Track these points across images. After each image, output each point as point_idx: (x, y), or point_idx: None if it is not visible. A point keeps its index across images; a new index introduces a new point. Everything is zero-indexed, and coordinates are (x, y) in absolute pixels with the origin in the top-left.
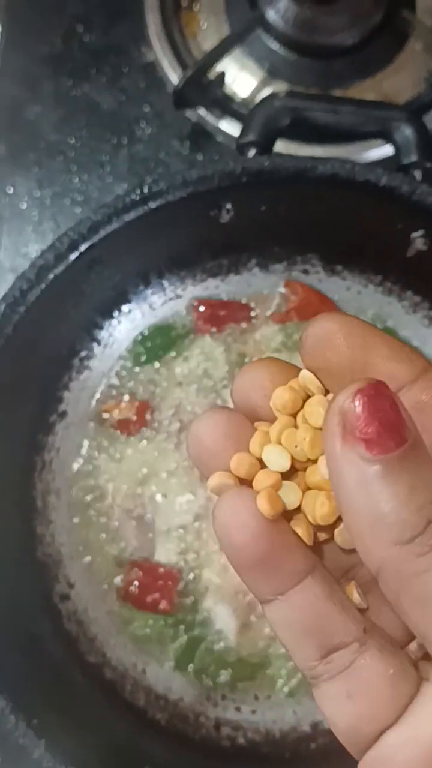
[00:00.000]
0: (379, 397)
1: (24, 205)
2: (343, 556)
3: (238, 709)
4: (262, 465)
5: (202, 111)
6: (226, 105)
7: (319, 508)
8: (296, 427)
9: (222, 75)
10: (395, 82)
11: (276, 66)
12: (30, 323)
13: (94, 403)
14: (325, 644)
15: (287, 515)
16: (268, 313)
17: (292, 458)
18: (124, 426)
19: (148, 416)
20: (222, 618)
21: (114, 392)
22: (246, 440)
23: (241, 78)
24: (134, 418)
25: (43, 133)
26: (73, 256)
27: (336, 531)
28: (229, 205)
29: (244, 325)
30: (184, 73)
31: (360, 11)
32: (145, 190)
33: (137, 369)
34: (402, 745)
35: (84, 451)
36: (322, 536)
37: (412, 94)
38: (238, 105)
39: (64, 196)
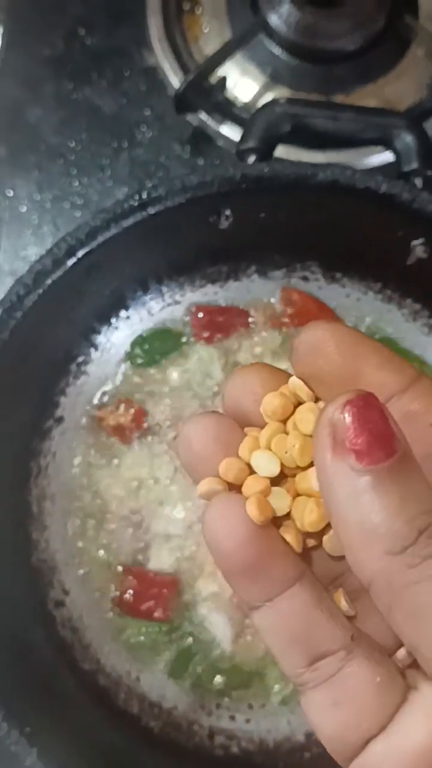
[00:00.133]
0: (369, 408)
1: (24, 208)
2: (331, 563)
3: (232, 718)
4: (252, 470)
5: (203, 115)
6: (227, 109)
7: (308, 515)
8: (286, 433)
9: (223, 79)
10: (397, 88)
11: (278, 71)
12: (27, 328)
13: (90, 408)
14: (312, 651)
15: (276, 521)
16: (267, 319)
17: (282, 464)
18: (121, 432)
19: (144, 422)
20: (217, 626)
21: (111, 398)
22: (236, 445)
23: (242, 82)
24: (131, 423)
25: (43, 136)
26: (70, 262)
27: (324, 538)
28: (228, 212)
29: (242, 331)
30: (186, 78)
31: (362, 17)
32: (144, 196)
33: (135, 374)
34: (388, 755)
35: (80, 456)
36: (311, 543)
37: (414, 100)
38: (239, 109)
39: (63, 200)
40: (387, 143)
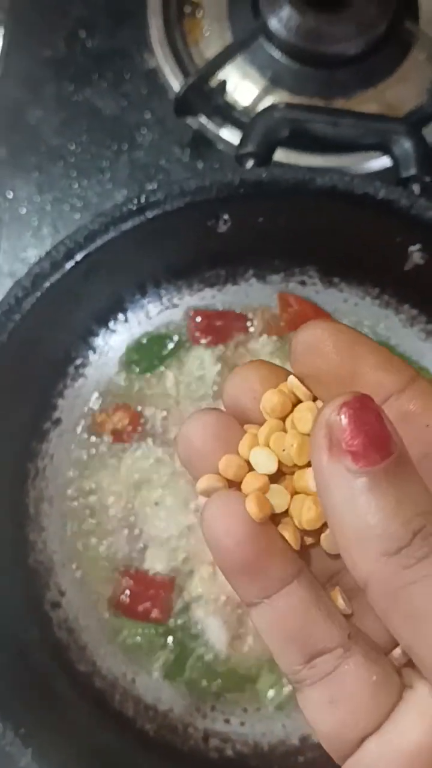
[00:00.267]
0: (365, 410)
1: (23, 210)
2: (329, 561)
3: (227, 721)
4: (251, 468)
5: (203, 118)
6: (227, 113)
7: (305, 513)
8: (285, 431)
9: (223, 83)
10: (398, 93)
11: (278, 75)
12: (25, 331)
13: (88, 410)
14: (309, 649)
15: (275, 519)
16: (265, 324)
17: (280, 462)
18: (118, 434)
19: (141, 425)
20: (213, 629)
21: (108, 400)
22: (235, 442)
23: (242, 86)
24: (128, 426)
25: (44, 138)
26: (69, 265)
27: (322, 536)
28: (226, 216)
29: (240, 335)
30: (186, 81)
31: (364, 21)
32: (143, 200)
33: (132, 377)
34: (383, 753)
35: (77, 458)
36: (309, 540)
37: (415, 105)
38: (239, 113)
39: (63, 202)
40: (386, 149)
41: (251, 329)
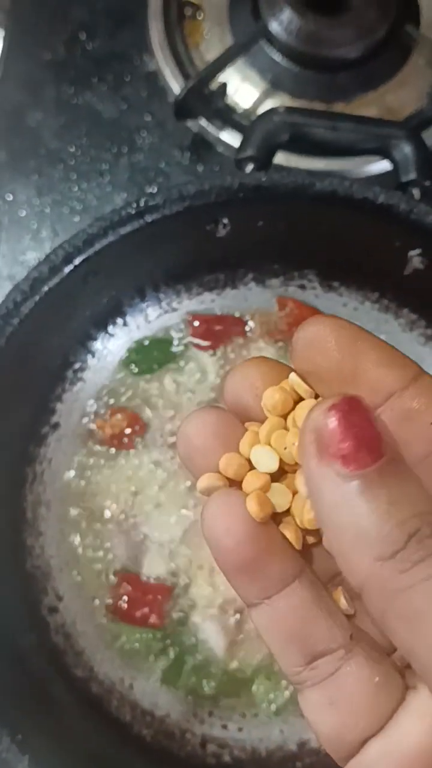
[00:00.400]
0: (354, 412)
1: (23, 213)
2: (331, 560)
3: (224, 727)
4: (252, 466)
5: (203, 121)
6: (227, 116)
7: (307, 512)
8: (287, 428)
9: (224, 86)
10: (398, 96)
11: (278, 78)
12: (23, 335)
13: (87, 415)
14: (310, 650)
15: (276, 518)
16: (263, 327)
17: (281, 460)
18: (117, 438)
19: (140, 429)
20: (210, 634)
21: (107, 404)
22: (236, 440)
23: (243, 89)
24: (127, 430)
25: (43, 140)
26: (67, 269)
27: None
28: (225, 220)
29: (239, 339)
30: (186, 84)
31: (364, 25)
32: (142, 204)
33: (131, 381)
34: (384, 755)
35: (76, 463)
36: (311, 540)
37: (415, 108)
38: (239, 116)
39: (63, 205)
40: (385, 153)
41: (250, 333)
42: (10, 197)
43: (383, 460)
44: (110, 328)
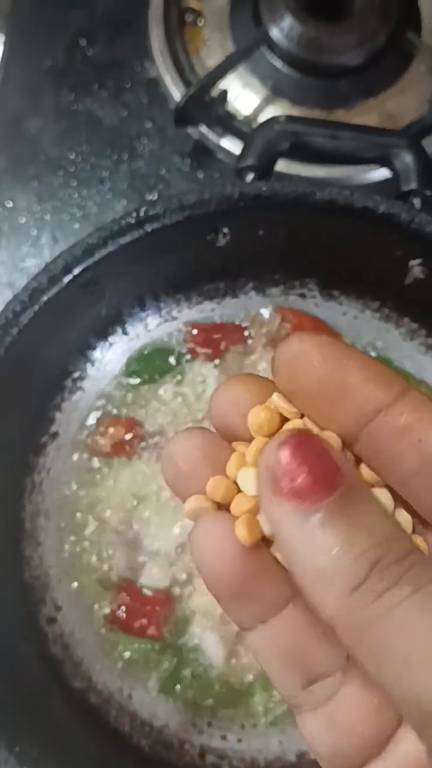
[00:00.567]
0: (305, 446)
1: (23, 220)
2: None
3: (223, 737)
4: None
5: (203, 128)
6: (228, 123)
7: None
8: None
9: (224, 93)
10: (399, 103)
11: (279, 84)
12: (22, 345)
13: (86, 424)
14: (307, 673)
15: (267, 540)
16: (263, 337)
17: None
18: (116, 448)
19: (139, 438)
20: (209, 645)
21: (106, 413)
22: (223, 462)
23: (243, 96)
24: (126, 439)
25: (43, 147)
26: (67, 279)
27: None
28: (226, 229)
29: (239, 348)
30: (186, 91)
31: (365, 32)
32: (141, 214)
33: (130, 390)
34: None
35: (75, 472)
36: None
37: (416, 115)
38: (240, 123)
39: (63, 212)
40: (386, 163)
41: (250, 342)
42: (9, 204)
43: (339, 491)
44: (110, 338)
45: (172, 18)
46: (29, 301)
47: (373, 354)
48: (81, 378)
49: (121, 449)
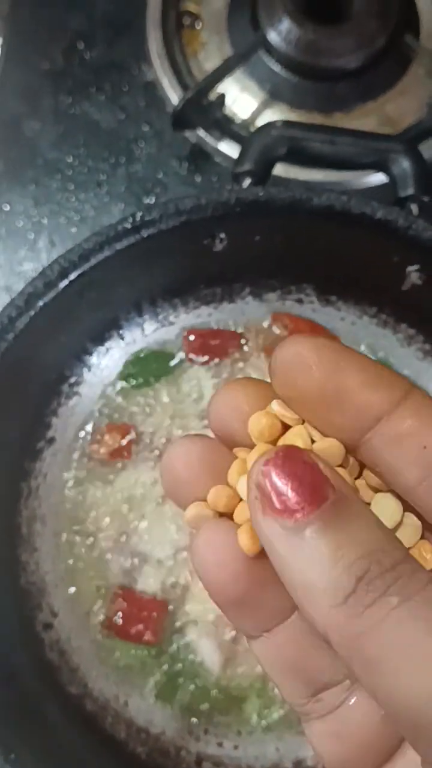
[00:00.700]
0: (291, 462)
1: (20, 223)
2: None
3: (220, 744)
4: None
5: (201, 132)
6: (225, 126)
7: None
8: None
9: (222, 96)
10: (398, 106)
11: (277, 88)
12: (18, 350)
13: (82, 429)
14: (313, 682)
15: None
16: (260, 342)
17: None
18: (113, 453)
19: (136, 443)
20: (206, 651)
21: (103, 419)
22: (223, 469)
23: (241, 99)
24: (123, 445)
25: (41, 150)
26: (63, 284)
27: None
28: (222, 235)
29: (235, 354)
30: (184, 95)
31: (364, 35)
32: (138, 219)
33: (127, 395)
34: None
35: (71, 477)
36: None
37: (415, 119)
38: (238, 126)
39: (60, 215)
40: (383, 168)
41: (246, 348)
42: (7, 207)
43: (326, 504)
44: (106, 343)
45: (170, 21)
46: (25, 307)
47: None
48: (78, 383)
49: (117, 455)
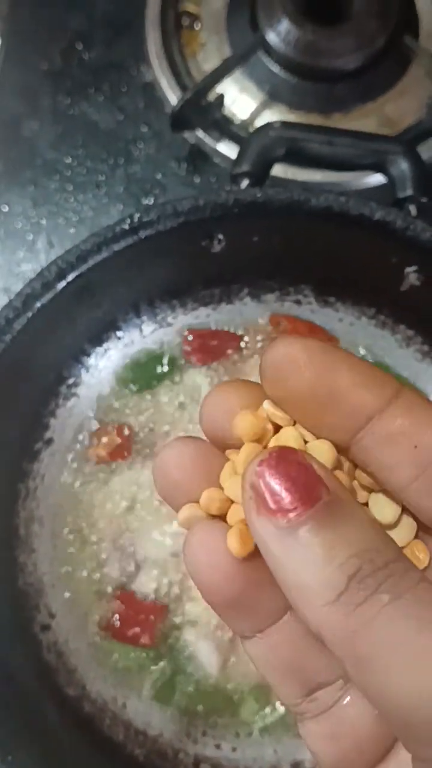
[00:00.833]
0: (284, 463)
1: (18, 224)
2: None
3: (218, 746)
4: None
5: (200, 132)
6: (224, 127)
7: None
8: None
9: (221, 97)
10: (397, 107)
11: (276, 89)
12: (16, 351)
13: (80, 430)
14: (308, 682)
15: None
16: (259, 343)
17: None
18: (111, 454)
19: (134, 445)
20: (204, 653)
21: (101, 420)
22: (215, 470)
23: (240, 100)
24: (121, 446)
25: (39, 151)
26: (61, 285)
27: None
28: (220, 236)
29: (234, 355)
30: (183, 96)
31: (363, 35)
32: (136, 220)
33: (125, 396)
34: None
35: (69, 478)
36: None
37: (414, 120)
38: (236, 127)
39: (58, 216)
40: (382, 169)
41: (245, 348)
42: (5, 208)
43: (319, 504)
44: (105, 344)
45: (168, 22)
46: (23, 308)
47: (369, 360)
48: (76, 384)
49: (115, 456)
